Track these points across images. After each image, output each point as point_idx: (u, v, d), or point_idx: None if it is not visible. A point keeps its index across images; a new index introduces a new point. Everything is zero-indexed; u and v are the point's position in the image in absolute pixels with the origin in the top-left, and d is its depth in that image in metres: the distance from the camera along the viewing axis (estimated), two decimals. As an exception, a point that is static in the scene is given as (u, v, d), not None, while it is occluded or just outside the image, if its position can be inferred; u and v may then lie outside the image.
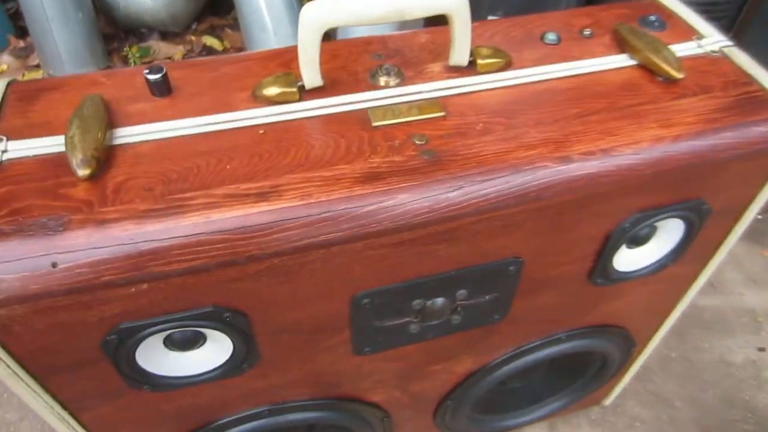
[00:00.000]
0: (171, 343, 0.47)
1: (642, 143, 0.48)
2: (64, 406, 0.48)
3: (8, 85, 0.48)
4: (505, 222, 0.46)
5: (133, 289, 0.39)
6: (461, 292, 0.51)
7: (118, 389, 0.48)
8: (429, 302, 0.51)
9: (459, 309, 0.53)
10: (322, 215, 0.41)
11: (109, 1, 1.57)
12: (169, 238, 0.39)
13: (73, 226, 0.39)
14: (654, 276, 0.61)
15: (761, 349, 1.05)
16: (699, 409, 0.96)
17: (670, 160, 0.49)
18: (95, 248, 0.38)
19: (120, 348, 0.43)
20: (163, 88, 0.47)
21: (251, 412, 0.57)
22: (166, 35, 1.65)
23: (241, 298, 0.44)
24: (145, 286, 0.39)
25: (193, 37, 1.66)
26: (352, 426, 0.65)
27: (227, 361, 0.49)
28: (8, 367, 0.42)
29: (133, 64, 1.56)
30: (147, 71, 0.47)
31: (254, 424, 0.59)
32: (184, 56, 1.61)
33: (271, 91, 0.48)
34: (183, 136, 0.45)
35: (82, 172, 0.40)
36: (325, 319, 0.49)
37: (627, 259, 0.58)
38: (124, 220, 0.39)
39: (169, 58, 1.60)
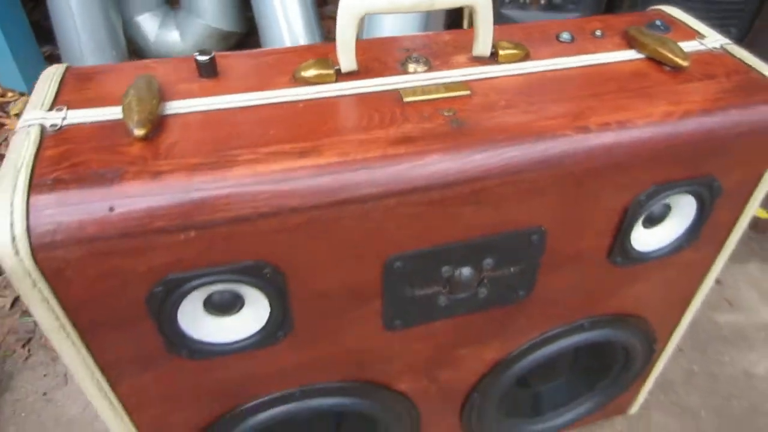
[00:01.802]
0: (210, 306, 0.49)
1: (653, 117, 0.51)
2: (104, 372, 0.49)
3: (67, 68, 0.53)
4: (528, 187, 0.49)
5: (183, 237, 0.42)
6: (487, 261, 0.53)
7: (156, 355, 0.50)
8: (457, 271, 0.53)
9: (485, 281, 0.55)
10: (358, 171, 0.44)
11: (139, 42, 1.67)
12: (217, 188, 0.42)
13: (129, 176, 0.42)
14: (670, 259, 0.63)
15: (784, 363, 1.04)
16: (725, 419, 0.94)
17: (680, 134, 0.52)
18: (149, 196, 0.41)
19: (164, 302, 0.45)
20: (210, 70, 0.51)
21: (282, 393, 0.58)
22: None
23: (280, 256, 0.46)
24: (193, 233, 0.42)
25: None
26: (381, 418, 0.65)
27: (263, 327, 0.50)
28: (57, 318, 0.44)
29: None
30: (197, 53, 0.51)
31: (285, 408, 0.59)
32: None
33: (310, 72, 0.52)
34: (228, 108, 0.49)
35: (138, 131, 0.44)
36: (358, 284, 0.50)
37: (644, 239, 0.60)
38: (176, 171, 0.42)
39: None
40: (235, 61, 0.54)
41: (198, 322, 0.49)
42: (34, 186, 0.40)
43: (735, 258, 1.23)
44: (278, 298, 0.48)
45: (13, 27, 1.62)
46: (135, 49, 1.65)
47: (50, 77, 0.52)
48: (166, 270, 0.43)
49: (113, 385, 0.51)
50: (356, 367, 0.60)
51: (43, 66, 1.71)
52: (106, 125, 0.46)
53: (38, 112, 0.47)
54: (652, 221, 0.59)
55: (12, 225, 0.39)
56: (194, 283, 0.45)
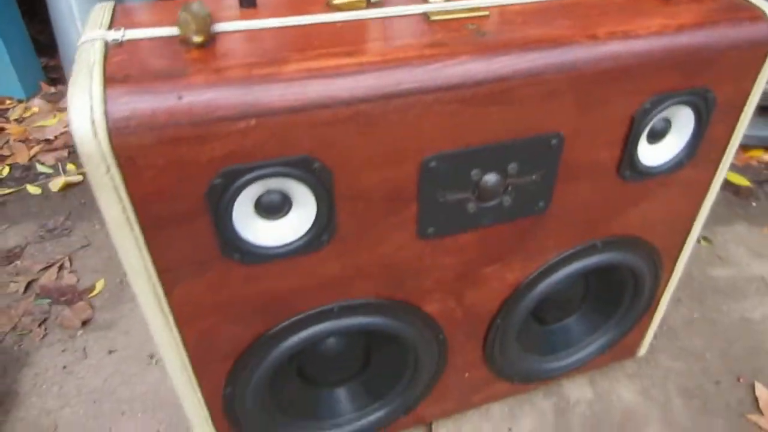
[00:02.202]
0: (261, 209, 0.52)
1: (652, 29, 0.57)
2: (160, 276, 0.52)
3: (115, 4, 0.57)
4: (547, 89, 0.54)
5: (243, 125, 0.46)
6: (512, 166, 0.57)
7: (210, 258, 0.53)
8: (485, 176, 0.57)
9: (509, 188, 0.59)
10: (399, 68, 0.49)
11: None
12: (273, 80, 0.46)
13: (193, 72, 0.45)
14: (672, 177, 0.68)
15: (777, 308, 1.10)
16: (729, 359, 0.99)
17: (675, 44, 0.58)
18: (213, 87, 0.45)
19: (222, 196, 0.48)
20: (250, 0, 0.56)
21: (321, 309, 0.61)
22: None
23: (328, 151, 0.50)
24: (253, 122, 0.46)
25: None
26: (410, 341, 0.68)
27: (309, 229, 0.54)
28: (124, 210, 0.47)
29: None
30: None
31: (324, 326, 0.62)
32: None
33: (342, 0, 0.57)
34: (272, 28, 0.53)
35: (197, 38, 0.48)
36: (397, 185, 0.54)
37: (649, 154, 0.65)
38: (235, 68, 0.46)
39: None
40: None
41: (250, 225, 0.52)
42: (108, 79, 0.44)
43: (722, 221, 1.30)
44: (324, 195, 0.52)
45: (14, 38, 1.66)
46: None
47: (102, 9, 0.56)
48: (226, 161, 0.47)
49: (167, 292, 0.53)
50: (390, 283, 0.63)
51: (40, 75, 1.75)
52: (164, 39, 0.50)
53: (98, 32, 0.51)
54: (655, 136, 0.65)
55: (91, 109, 0.42)
56: (250, 175, 0.48)
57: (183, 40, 0.49)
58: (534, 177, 0.60)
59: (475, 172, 0.56)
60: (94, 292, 1.10)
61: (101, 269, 1.16)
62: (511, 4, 0.60)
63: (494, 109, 0.53)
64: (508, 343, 0.77)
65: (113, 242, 0.50)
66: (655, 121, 0.63)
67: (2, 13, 1.61)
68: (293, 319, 0.61)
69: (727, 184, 1.42)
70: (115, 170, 0.44)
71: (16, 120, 1.64)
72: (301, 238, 0.54)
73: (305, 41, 0.51)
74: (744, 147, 1.54)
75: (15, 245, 1.22)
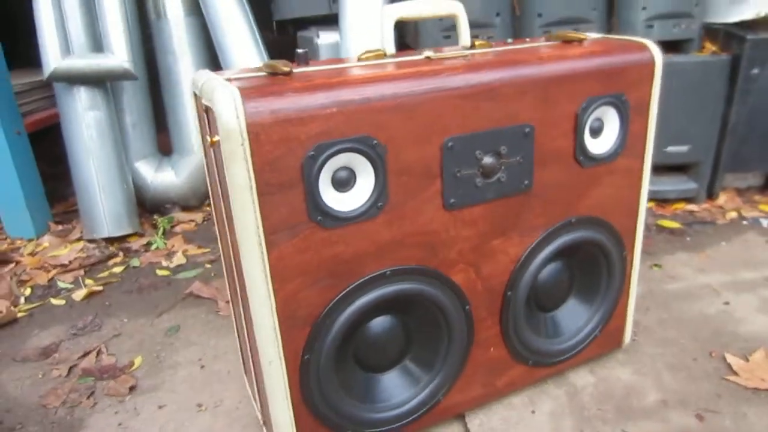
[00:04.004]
0: (335, 183, 0.72)
1: (575, 54, 0.86)
2: (266, 236, 0.69)
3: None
4: (517, 90, 0.80)
5: (327, 111, 0.68)
6: (503, 148, 0.81)
7: (299, 222, 0.71)
8: (485, 157, 0.80)
9: (503, 167, 0.82)
10: (423, 77, 0.74)
11: (138, 182, 1.93)
12: (344, 85, 0.69)
13: (290, 82, 0.69)
14: (614, 165, 0.93)
15: (726, 303, 1.31)
16: (699, 342, 1.17)
17: (594, 63, 0.86)
18: (306, 88, 0.68)
19: (313, 165, 0.69)
20: (305, 59, 0.81)
21: (378, 273, 0.78)
22: (185, 209, 1.99)
23: (382, 132, 0.72)
24: (334, 109, 0.68)
25: (208, 208, 2.01)
26: (446, 307, 0.84)
27: (369, 197, 0.74)
28: (249, 177, 0.66)
29: (162, 229, 1.85)
30: (298, 50, 0.81)
31: (379, 292, 0.79)
32: (203, 221, 1.94)
33: (369, 55, 0.83)
34: (326, 68, 0.78)
35: (285, 68, 0.72)
36: (427, 162, 0.76)
37: (593, 146, 0.91)
38: (317, 78, 0.70)
39: (192, 220, 1.92)
40: (316, 61, 0.85)
41: (328, 195, 0.72)
42: (239, 88, 0.66)
43: (667, 252, 1.55)
44: (380, 166, 0.73)
45: (29, 183, 1.86)
46: (136, 186, 1.92)
47: (199, 73, 0.79)
48: (317, 138, 0.68)
49: (268, 251, 0.70)
50: (426, 253, 0.81)
51: (48, 216, 1.92)
52: (257, 77, 0.74)
53: (208, 76, 0.74)
54: (594, 132, 0.91)
55: (234, 102, 0.64)
56: (333, 149, 0.69)
57: (272, 73, 0.73)
58: (519, 159, 0.83)
59: (478, 152, 0.79)
60: (134, 367, 1.19)
61: (136, 350, 1.26)
62: (481, 53, 0.88)
63: (485, 104, 0.78)
64: (520, 321, 0.94)
65: (232, 207, 0.68)
66: (592, 119, 0.89)
67: (22, 161, 1.82)
68: (358, 281, 0.77)
69: (664, 228, 1.70)
70: (246, 144, 0.65)
71: (29, 254, 1.78)
72: (363, 204, 0.74)
73: (353, 73, 0.75)
74: (669, 201, 1.86)
75: (50, 343, 1.31)
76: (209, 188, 0.89)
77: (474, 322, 0.90)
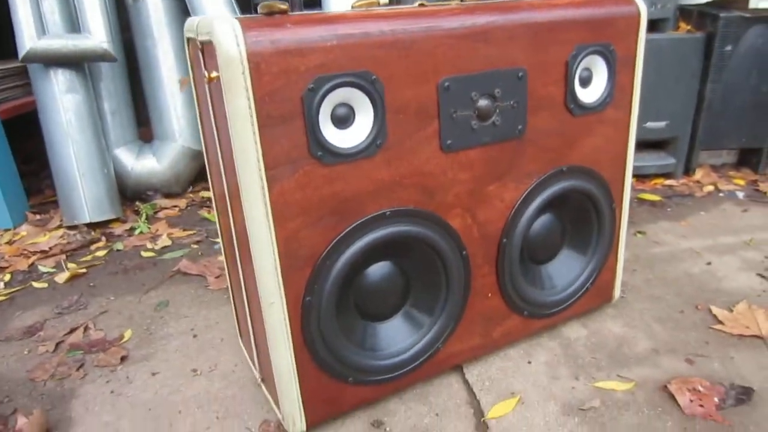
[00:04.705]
0: (335, 120, 0.72)
1: (566, 2, 0.88)
2: (266, 171, 0.69)
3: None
4: (509, 33, 0.81)
5: (327, 44, 0.68)
6: (497, 91, 0.82)
7: (300, 158, 0.71)
8: (480, 99, 0.81)
9: (498, 111, 0.83)
10: (420, 16, 0.75)
11: (118, 169, 1.90)
12: (342, 20, 0.70)
13: (289, 17, 0.69)
14: (604, 115, 0.96)
15: (708, 263, 1.34)
16: (684, 297, 1.20)
17: (583, 12, 0.88)
18: (305, 21, 0.68)
19: (313, 98, 0.69)
20: (299, 6, 0.82)
21: (379, 212, 0.79)
22: (168, 196, 1.97)
23: (380, 68, 0.72)
24: (334, 42, 0.69)
25: (191, 195, 1.99)
26: (444, 251, 0.85)
27: (368, 134, 0.74)
28: (249, 107, 0.66)
29: (145, 214, 1.82)
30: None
31: (380, 233, 0.79)
32: (187, 206, 1.91)
33: (361, 3, 0.84)
34: (322, 12, 0.78)
35: (282, 6, 0.72)
36: (423, 101, 0.77)
37: (584, 95, 0.93)
38: (315, 15, 0.70)
39: (176, 206, 1.89)
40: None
41: (328, 131, 0.72)
42: (239, 20, 0.66)
43: (649, 222, 1.59)
44: (379, 103, 0.73)
45: (5, 173, 1.81)
46: (117, 174, 1.89)
47: (195, 18, 0.79)
48: (317, 71, 0.69)
49: (269, 187, 0.70)
50: (423, 195, 0.82)
51: (26, 206, 1.88)
52: (255, 17, 0.74)
53: (209, 17, 0.74)
54: (584, 82, 0.93)
55: (234, 32, 0.64)
56: (333, 82, 0.69)
57: (268, 13, 0.73)
58: (513, 103, 0.85)
59: (474, 94, 0.81)
60: (125, 340, 1.17)
61: (126, 324, 1.23)
62: (473, 3, 0.90)
63: (479, 46, 0.79)
64: (515, 270, 0.95)
65: (233, 140, 0.68)
66: (581, 68, 0.91)
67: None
68: (359, 221, 0.77)
69: (645, 201, 1.74)
70: (247, 72, 0.65)
71: (7, 243, 1.73)
72: (363, 142, 0.74)
73: (349, 13, 0.76)
74: (648, 176, 1.90)
75: (34, 323, 1.27)
76: (203, 141, 0.88)
77: (471, 269, 0.91)
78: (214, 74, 0.69)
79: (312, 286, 0.77)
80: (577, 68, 0.90)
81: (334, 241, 0.77)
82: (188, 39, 0.81)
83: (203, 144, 0.89)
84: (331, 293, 0.79)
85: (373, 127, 0.75)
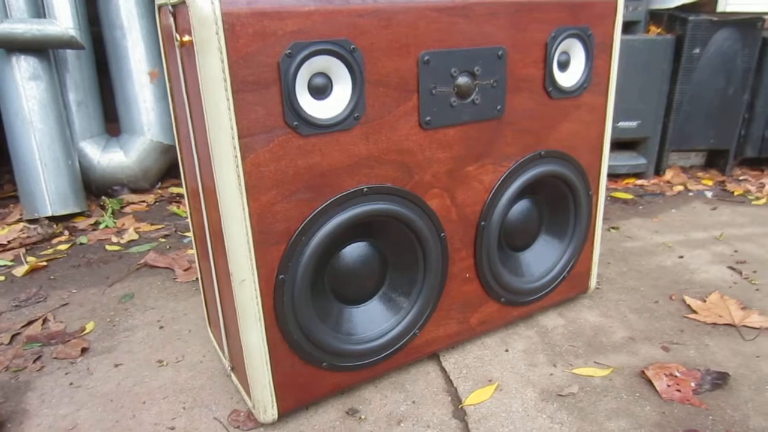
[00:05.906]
0: (312, 90, 0.70)
1: (544, -13, 0.88)
2: (240, 139, 0.66)
3: None
4: (489, 10, 0.80)
5: (305, 9, 0.66)
6: (477, 68, 0.81)
7: (275, 126, 0.68)
8: (460, 77, 0.80)
9: (477, 89, 0.82)
10: (398, -15, 0.73)
11: (83, 163, 1.84)
12: (321, -15, 0.68)
13: (267, -20, 0.66)
14: (581, 100, 0.95)
15: (681, 257, 1.35)
16: (658, 288, 1.20)
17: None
18: (283, -15, 0.66)
19: (290, 65, 0.66)
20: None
21: (356, 188, 0.76)
22: (135, 191, 1.91)
23: (360, 38, 0.70)
24: (312, 6, 0.66)
25: (160, 191, 1.93)
26: (421, 230, 0.83)
27: (346, 106, 0.72)
28: (223, 71, 0.63)
29: (111, 209, 1.76)
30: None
31: (357, 209, 0.76)
32: (155, 201, 1.86)
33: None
34: (300, -18, 0.76)
35: (260, -30, 0.70)
36: (404, 75, 0.75)
37: (562, 79, 0.92)
38: (294, -22, 0.68)
39: (144, 201, 1.83)
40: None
41: (305, 100, 0.70)
42: (211, -21, 0.64)
43: (622, 218, 1.60)
44: (358, 73, 0.71)
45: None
46: (82, 167, 1.82)
47: (171, -18, 0.76)
48: (294, 37, 0.66)
49: (243, 156, 0.67)
50: (401, 173, 0.80)
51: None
52: None
53: (181, -20, 0.71)
54: (562, 66, 0.92)
55: (208, -13, 0.61)
56: (310, 49, 0.67)
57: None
58: (492, 81, 0.84)
59: (454, 70, 0.79)
60: (86, 332, 1.12)
61: (88, 317, 1.18)
62: (450, -16, 0.89)
63: (460, 21, 0.78)
64: (492, 255, 0.94)
65: (206, 107, 0.65)
66: (560, 52, 0.91)
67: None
68: (336, 196, 0.75)
69: (618, 199, 1.76)
70: (221, 33, 0.62)
71: (-37, 235, 1.65)
72: (341, 114, 0.72)
73: (329, -19, 0.74)
74: (620, 175, 1.92)
75: (-12, 314, 1.21)
76: (173, 117, 0.85)
77: (449, 252, 0.89)
78: (186, 38, 0.66)
79: (286, 263, 0.74)
80: (555, 50, 0.89)
81: (310, 216, 0.74)
82: (159, 7, 0.78)
83: (173, 119, 0.85)
84: (305, 272, 0.76)
85: (351, 98, 0.72)
